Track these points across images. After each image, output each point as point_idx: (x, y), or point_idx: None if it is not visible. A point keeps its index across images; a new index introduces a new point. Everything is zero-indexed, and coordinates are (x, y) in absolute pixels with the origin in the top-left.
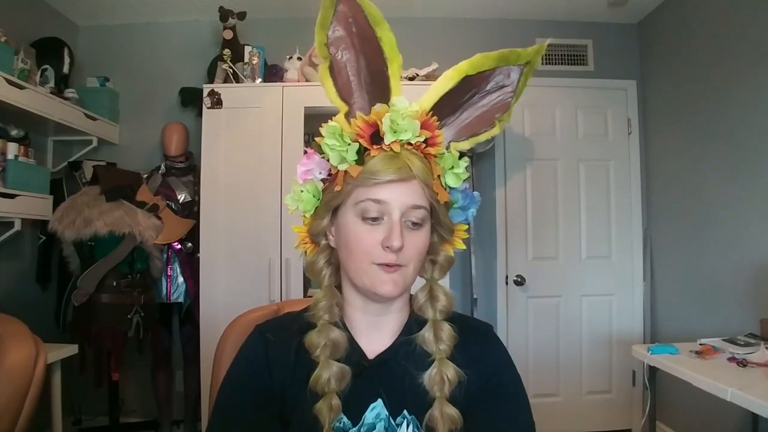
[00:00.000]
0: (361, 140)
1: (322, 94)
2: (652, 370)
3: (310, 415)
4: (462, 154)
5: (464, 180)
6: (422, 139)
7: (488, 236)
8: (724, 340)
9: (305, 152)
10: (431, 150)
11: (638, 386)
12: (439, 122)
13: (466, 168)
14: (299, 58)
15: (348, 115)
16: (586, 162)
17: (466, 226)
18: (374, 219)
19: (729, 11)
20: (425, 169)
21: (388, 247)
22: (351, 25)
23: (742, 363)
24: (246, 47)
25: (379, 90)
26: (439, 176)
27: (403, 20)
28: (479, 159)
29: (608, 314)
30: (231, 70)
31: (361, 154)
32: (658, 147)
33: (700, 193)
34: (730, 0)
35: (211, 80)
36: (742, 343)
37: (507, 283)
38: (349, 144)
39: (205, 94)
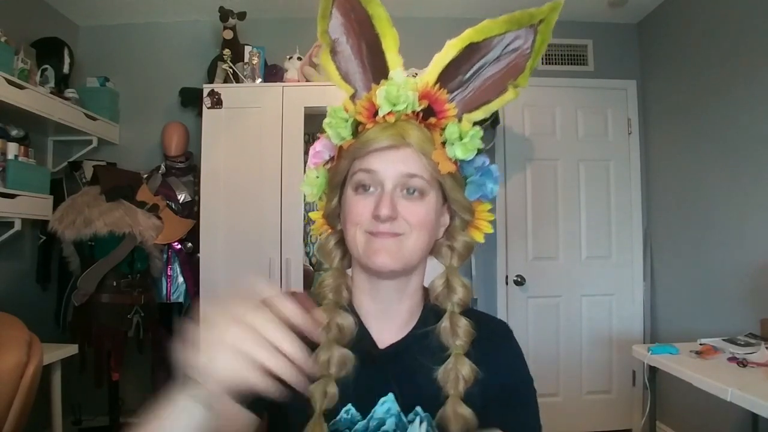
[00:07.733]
0: (359, 116)
1: (322, 93)
2: (652, 370)
3: (304, 396)
4: (476, 123)
5: (480, 152)
6: (419, 109)
7: (488, 236)
8: (724, 340)
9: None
10: (433, 120)
11: (638, 386)
12: (449, 94)
13: (480, 139)
14: (299, 58)
15: (354, 97)
16: (586, 162)
17: (490, 206)
18: (365, 187)
19: (729, 11)
20: (423, 137)
21: (377, 216)
22: (349, 11)
23: (743, 363)
24: (246, 47)
25: (380, 68)
26: (443, 145)
27: (403, 20)
28: None
29: (608, 314)
30: (231, 70)
31: (357, 130)
32: (658, 147)
33: (700, 193)
34: (731, 0)
35: (211, 80)
36: (742, 343)
37: (507, 283)
38: (347, 120)
39: (205, 94)
